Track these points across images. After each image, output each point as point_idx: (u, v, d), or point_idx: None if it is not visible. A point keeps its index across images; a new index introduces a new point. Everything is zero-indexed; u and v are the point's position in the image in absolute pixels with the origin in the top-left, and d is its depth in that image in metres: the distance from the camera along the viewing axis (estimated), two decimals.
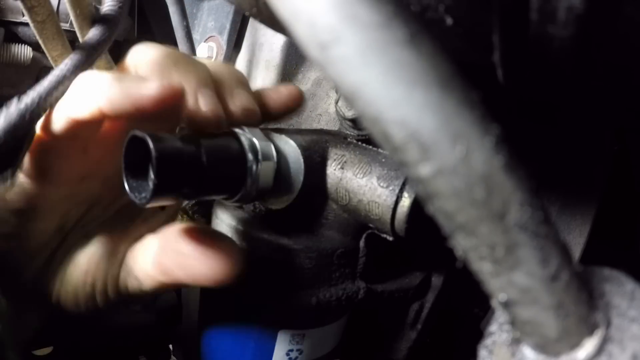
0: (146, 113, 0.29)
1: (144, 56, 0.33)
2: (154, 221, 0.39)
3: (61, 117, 0.32)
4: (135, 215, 0.38)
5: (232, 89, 0.35)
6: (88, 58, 0.34)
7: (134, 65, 0.33)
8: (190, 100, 0.32)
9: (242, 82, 0.37)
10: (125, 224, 0.38)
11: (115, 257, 0.37)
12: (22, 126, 0.30)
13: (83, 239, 0.37)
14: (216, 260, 0.34)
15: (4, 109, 0.30)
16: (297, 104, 0.40)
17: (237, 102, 0.35)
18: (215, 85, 0.34)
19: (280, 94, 0.39)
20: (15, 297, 0.35)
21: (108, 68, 0.50)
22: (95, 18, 0.38)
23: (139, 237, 0.38)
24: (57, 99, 0.32)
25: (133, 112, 0.29)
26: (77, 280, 0.36)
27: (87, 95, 0.30)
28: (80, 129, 0.32)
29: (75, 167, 0.34)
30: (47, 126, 0.32)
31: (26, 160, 0.33)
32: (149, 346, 0.54)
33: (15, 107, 0.30)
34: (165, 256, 0.35)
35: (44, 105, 0.31)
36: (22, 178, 0.33)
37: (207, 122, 0.32)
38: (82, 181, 0.35)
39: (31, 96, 0.31)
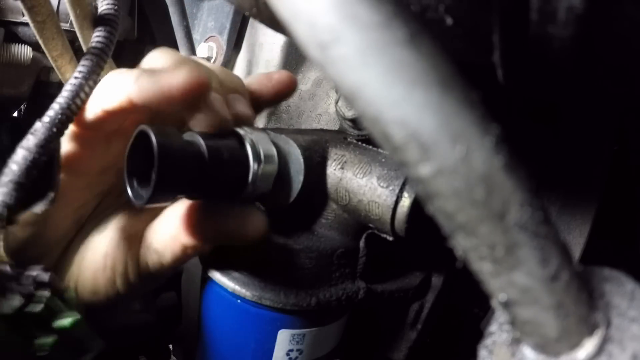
0: (174, 102, 0.30)
1: (161, 58, 0.35)
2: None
3: (90, 108, 0.33)
4: None
5: (232, 93, 0.37)
6: (98, 63, 0.35)
7: (153, 66, 0.35)
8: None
9: (241, 87, 0.39)
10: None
11: (135, 236, 0.38)
12: (52, 139, 0.31)
13: (99, 225, 0.38)
14: (247, 216, 0.35)
15: (32, 130, 0.31)
16: (289, 88, 0.41)
17: (237, 108, 0.36)
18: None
19: (271, 80, 0.41)
20: None
21: (110, 69, 0.50)
22: (95, 19, 0.38)
23: (155, 214, 0.38)
24: (78, 107, 0.33)
25: (162, 101, 0.30)
26: (96, 265, 0.37)
27: (118, 86, 0.31)
28: (108, 121, 0.33)
29: (99, 159, 0.36)
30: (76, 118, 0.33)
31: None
32: (149, 346, 0.54)
33: (41, 125, 0.31)
34: (194, 216, 0.35)
35: (67, 115, 0.32)
36: None
37: (213, 122, 0.33)
38: (103, 172, 0.37)
39: (54, 110, 0.32)
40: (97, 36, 0.36)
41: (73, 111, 0.32)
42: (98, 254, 0.37)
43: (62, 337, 0.29)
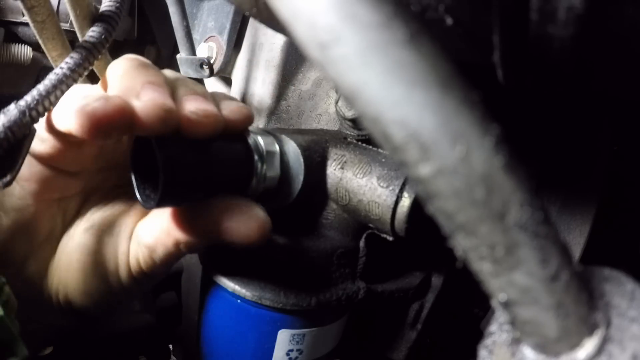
0: (97, 130, 0.29)
1: (111, 70, 0.34)
2: None
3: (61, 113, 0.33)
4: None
5: (186, 95, 0.34)
6: (87, 58, 0.34)
7: (108, 81, 0.34)
8: (133, 99, 0.31)
9: (200, 92, 0.36)
10: (128, 201, 0.39)
11: (124, 233, 0.37)
12: (22, 125, 0.30)
13: (86, 225, 0.38)
14: (248, 217, 0.34)
15: (4, 109, 0.30)
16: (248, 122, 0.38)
17: (191, 106, 0.33)
18: (169, 88, 0.34)
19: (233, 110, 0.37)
20: (18, 299, 0.35)
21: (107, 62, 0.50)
22: (94, 17, 0.37)
23: (146, 211, 0.38)
24: (57, 99, 0.32)
25: (91, 131, 0.29)
26: (85, 265, 0.36)
27: (64, 117, 0.31)
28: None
29: (81, 157, 0.35)
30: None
31: (43, 144, 0.33)
32: (149, 346, 0.54)
33: (14, 107, 0.30)
34: (187, 211, 0.35)
35: (44, 104, 0.31)
36: (34, 161, 0.34)
37: (151, 115, 0.30)
38: (86, 170, 0.36)
39: (31, 95, 0.31)
40: (92, 31, 0.36)
41: (51, 101, 0.31)
42: (87, 254, 0.37)
43: None
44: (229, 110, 0.35)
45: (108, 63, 0.50)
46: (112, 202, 0.39)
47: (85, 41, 0.35)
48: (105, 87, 0.35)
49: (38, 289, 0.37)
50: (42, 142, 0.33)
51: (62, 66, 0.33)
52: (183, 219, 0.35)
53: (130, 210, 0.38)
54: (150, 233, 0.36)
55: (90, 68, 0.35)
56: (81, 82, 0.35)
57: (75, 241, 0.37)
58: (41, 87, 0.31)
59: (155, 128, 0.30)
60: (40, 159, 0.34)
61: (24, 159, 0.31)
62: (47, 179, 0.35)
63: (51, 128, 0.33)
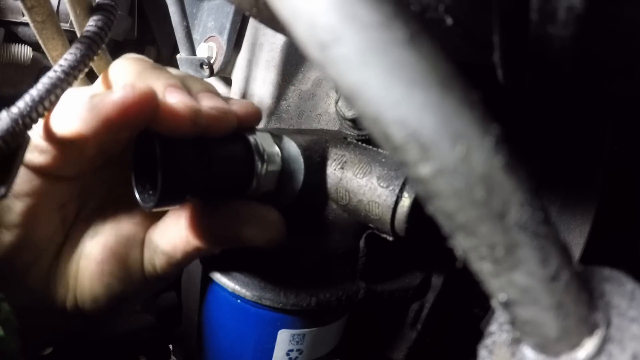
0: (116, 123, 0.29)
1: (117, 70, 0.34)
2: None
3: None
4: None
5: (201, 92, 0.35)
6: (86, 54, 0.32)
7: (114, 81, 0.34)
8: (160, 99, 0.31)
9: (211, 89, 0.37)
10: (129, 205, 0.38)
11: (132, 239, 0.37)
12: (15, 134, 0.28)
13: (89, 231, 0.37)
14: (268, 222, 0.35)
15: None
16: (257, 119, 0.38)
17: (208, 103, 0.33)
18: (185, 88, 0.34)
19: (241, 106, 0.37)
20: (19, 307, 0.34)
21: (107, 62, 0.50)
22: (91, 8, 0.35)
23: (153, 216, 0.37)
24: (53, 103, 0.31)
25: (105, 126, 0.29)
26: (92, 273, 0.36)
27: (67, 121, 0.30)
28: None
29: (75, 163, 0.34)
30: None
31: (43, 155, 0.32)
32: (149, 346, 0.54)
33: (6, 114, 0.28)
34: (207, 219, 0.35)
35: (38, 110, 0.30)
36: (26, 171, 0.33)
37: (182, 117, 0.31)
38: (80, 176, 0.35)
39: (24, 101, 0.29)
40: (90, 24, 0.34)
41: (46, 106, 0.30)
42: (92, 262, 0.36)
43: None
44: (239, 106, 0.35)
45: (108, 62, 0.50)
46: (114, 206, 0.38)
47: (83, 36, 0.33)
48: (108, 87, 0.34)
49: (41, 296, 0.36)
50: (40, 153, 0.32)
51: (55, 69, 0.31)
52: (203, 225, 0.34)
53: (133, 214, 0.38)
54: (168, 240, 0.36)
55: (89, 65, 0.33)
56: (80, 82, 0.34)
57: (79, 250, 0.37)
58: (34, 92, 0.30)
59: (186, 130, 0.30)
60: (40, 170, 0.33)
61: (18, 169, 0.30)
62: (47, 191, 0.34)
63: (50, 135, 0.32)
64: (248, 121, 0.36)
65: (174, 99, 0.31)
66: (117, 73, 0.34)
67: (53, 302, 0.36)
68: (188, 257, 0.36)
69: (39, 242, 0.36)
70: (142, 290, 0.38)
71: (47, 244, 0.36)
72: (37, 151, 0.32)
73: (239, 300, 0.43)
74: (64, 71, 0.31)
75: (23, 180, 0.33)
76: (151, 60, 0.35)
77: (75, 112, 0.29)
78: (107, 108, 0.28)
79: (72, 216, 0.37)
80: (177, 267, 0.37)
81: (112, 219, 0.38)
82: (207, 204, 0.35)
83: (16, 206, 0.33)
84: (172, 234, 0.36)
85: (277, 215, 0.36)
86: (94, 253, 0.36)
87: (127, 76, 0.33)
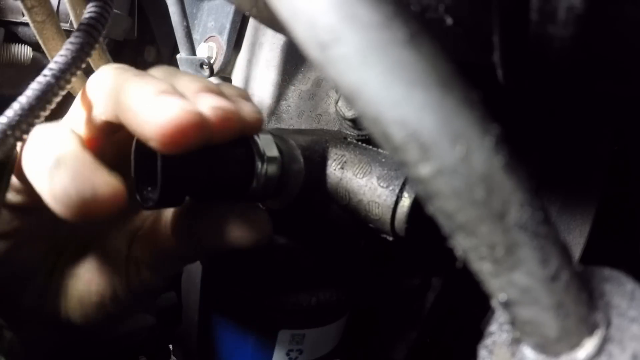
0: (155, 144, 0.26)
1: (95, 87, 0.29)
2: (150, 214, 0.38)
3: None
4: (131, 212, 0.38)
5: (198, 92, 0.30)
6: (75, 61, 0.28)
7: (94, 100, 0.30)
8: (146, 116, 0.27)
9: (212, 87, 0.32)
10: (122, 224, 0.38)
11: (118, 256, 0.36)
12: (4, 146, 0.25)
13: (77, 251, 0.37)
14: (253, 223, 0.33)
15: None
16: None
17: (210, 102, 0.29)
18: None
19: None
20: (18, 323, 0.34)
21: (105, 60, 0.49)
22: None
23: (138, 229, 0.37)
24: (42, 112, 0.28)
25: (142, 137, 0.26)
26: (80, 293, 0.36)
27: (36, 171, 0.27)
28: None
29: None
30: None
31: (13, 192, 0.30)
32: (149, 346, 0.54)
33: None
34: (189, 225, 0.33)
35: (29, 121, 0.27)
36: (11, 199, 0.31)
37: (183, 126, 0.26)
38: None
39: (12, 110, 0.26)
40: (82, 23, 0.30)
41: (38, 115, 0.27)
42: (80, 282, 0.36)
43: None
44: (247, 113, 0.32)
45: (108, 62, 0.50)
46: (100, 227, 0.37)
47: (75, 34, 0.30)
48: (87, 108, 0.30)
49: (36, 313, 0.36)
50: (17, 192, 0.30)
51: (45, 73, 0.28)
52: (186, 233, 0.33)
53: (119, 230, 0.37)
54: (150, 254, 0.35)
55: (83, 65, 0.30)
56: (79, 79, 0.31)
57: (68, 270, 0.36)
58: (23, 99, 0.26)
59: (190, 138, 0.26)
60: (19, 209, 0.31)
61: (7, 186, 0.27)
62: (30, 227, 0.33)
63: (23, 176, 0.28)
64: (251, 130, 0.33)
65: (210, 104, 0.27)
66: (96, 91, 0.29)
67: (48, 317, 0.36)
68: (173, 267, 0.35)
69: (31, 267, 0.35)
70: (130, 306, 0.37)
71: (40, 266, 0.36)
72: (13, 190, 0.30)
73: (239, 300, 0.43)
74: (54, 75, 0.28)
75: (2, 222, 0.31)
76: (131, 68, 0.30)
77: (43, 168, 0.26)
78: (148, 121, 0.25)
79: (62, 240, 0.37)
80: (163, 279, 0.36)
81: (100, 238, 0.37)
82: (186, 210, 0.34)
83: (2, 246, 0.33)
84: (154, 247, 0.35)
85: (262, 214, 0.34)
86: (81, 273, 0.36)
87: (106, 94, 0.28)
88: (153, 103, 0.25)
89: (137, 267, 0.36)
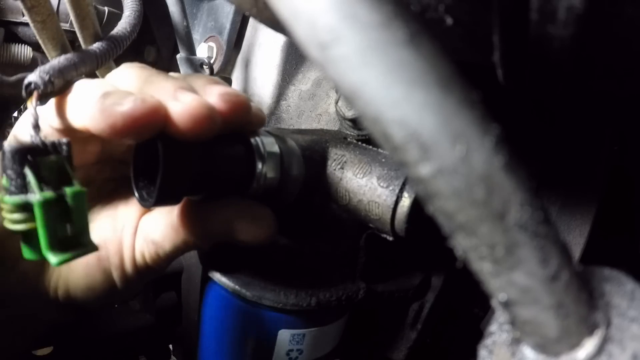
0: (122, 131, 0.28)
1: (123, 76, 0.33)
2: None
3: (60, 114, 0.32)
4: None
5: (205, 85, 0.33)
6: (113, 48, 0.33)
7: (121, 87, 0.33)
8: (169, 104, 0.30)
9: (216, 80, 0.35)
10: (125, 195, 0.38)
11: (128, 227, 0.37)
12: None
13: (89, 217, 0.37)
14: (259, 218, 0.35)
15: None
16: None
17: (215, 91, 0.32)
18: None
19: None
20: (15, 294, 0.34)
21: (109, 69, 0.50)
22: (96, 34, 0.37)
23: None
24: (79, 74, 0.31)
25: (111, 131, 0.28)
26: (88, 260, 0.36)
27: (77, 112, 0.30)
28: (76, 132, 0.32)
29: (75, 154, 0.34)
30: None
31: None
32: (149, 346, 0.54)
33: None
34: (198, 213, 0.35)
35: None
36: None
37: (197, 115, 0.30)
38: (79, 166, 0.35)
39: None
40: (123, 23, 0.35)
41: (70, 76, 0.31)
42: None
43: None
44: (219, 94, 0.33)
45: (109, 69, 0.50)
46: (109, 197, 0.39)
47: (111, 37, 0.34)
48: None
49: (34, 284, 0.37)
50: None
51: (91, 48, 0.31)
52: (193, 218, 0.35)
53: (129, 204, 0.38)
54: (157, 229, 0.36)
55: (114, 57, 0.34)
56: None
57: None
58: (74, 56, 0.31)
59: (204, 129, 0.29)
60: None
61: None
62: None
63: (59, 118, 0.32)
64: (254, 125, 0.36)
65: (187, 99, 0.30)
66: (123, 79, 0.33)
67: (46, 290, 0.37)
68: (177, 250, 0.36)
69: None
70: (132, 281, 0.38)
71: None
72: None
73: (239, 300, 0.43)
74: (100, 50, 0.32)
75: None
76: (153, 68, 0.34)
77: (86, 108, 0.29)
78: (115, 116, 0.28)
79: None
80: (166, 259, 0.37)
81: (108, 208, 0.38)
82: (198, 201, 0.35)
83: None
84: (163, 223, 0.36)
85: (268, 213, 0.36)
86: None
87: (134, 82, 0.32)
88: (171, 95, 0.30)
89: (144, 241, 0.36)
